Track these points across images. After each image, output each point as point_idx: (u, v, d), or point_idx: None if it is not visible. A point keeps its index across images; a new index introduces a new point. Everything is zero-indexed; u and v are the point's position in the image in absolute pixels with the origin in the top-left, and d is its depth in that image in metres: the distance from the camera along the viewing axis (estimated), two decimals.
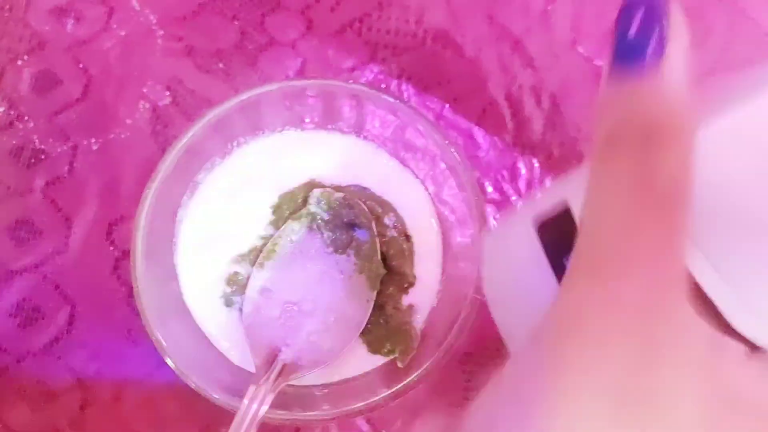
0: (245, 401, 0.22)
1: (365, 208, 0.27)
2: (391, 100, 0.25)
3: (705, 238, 0.14)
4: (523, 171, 0.31)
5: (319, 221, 0.27)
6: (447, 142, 0.25)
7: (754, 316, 0.14)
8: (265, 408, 0.22)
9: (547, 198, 0.18)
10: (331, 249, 0.27)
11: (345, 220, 0.27)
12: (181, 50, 0.31)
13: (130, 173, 0.30)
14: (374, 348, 0.26)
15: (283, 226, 0.27)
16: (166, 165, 0.25)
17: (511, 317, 0.19)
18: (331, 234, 0.27)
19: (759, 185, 0.14)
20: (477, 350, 0.29)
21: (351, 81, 0.29)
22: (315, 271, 0.27)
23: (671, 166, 0.12)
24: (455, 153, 0.25)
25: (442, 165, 0.26)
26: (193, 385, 0.23)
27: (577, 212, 0.16)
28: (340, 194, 0.27)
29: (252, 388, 0.23)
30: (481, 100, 0.31)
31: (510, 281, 0.19)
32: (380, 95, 0.26)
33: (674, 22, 0.12)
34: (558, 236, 0.17)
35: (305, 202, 0.27)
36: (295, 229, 0.27)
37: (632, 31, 0.13)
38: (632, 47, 0.13)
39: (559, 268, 0.17)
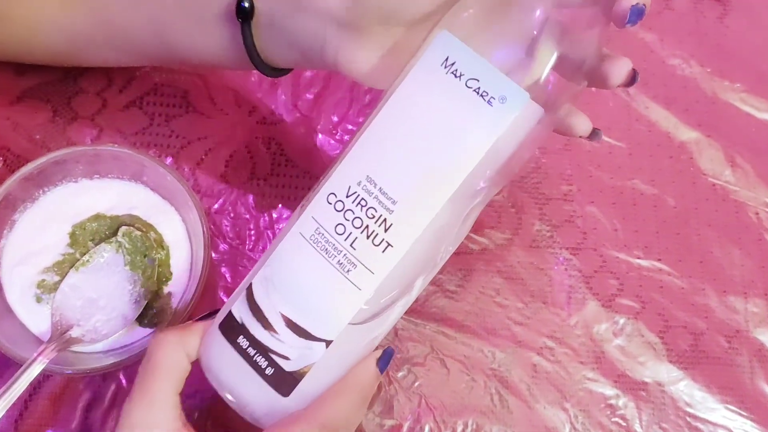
0: (34, 355, 0.35)
1: (154, 243, 0.39)
2: (146, 159, 0.38)
3: None
4: None
5: (123, 247, 0.40)
6: (182, 186, 0.38)
7: None
8: (45, 360, 0.35)
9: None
10: (128, 267, 0.40)
11: (140, 249, 0.40)
12: (10, 126, 0.43)
13: None
14: (144, 324, 0.39)
15: (98, 246, 0.39)
16: None
17: None
18: (129, 258, 0.40)
19: None
20: None
21: (126, 146, 0.42)
22: (113, 280, 0.39)
23: None
24: (187, 194, 0.38)
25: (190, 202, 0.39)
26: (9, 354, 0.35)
27: None
28: (138, 232, 0.39)
29: (41, 347, 0.35)
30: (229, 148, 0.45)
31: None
32: (141, 156, 0.38)
33: None
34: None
35: (116, 232, 0.40)
36: (106, 248, 0.39)
37: None
38: None
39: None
